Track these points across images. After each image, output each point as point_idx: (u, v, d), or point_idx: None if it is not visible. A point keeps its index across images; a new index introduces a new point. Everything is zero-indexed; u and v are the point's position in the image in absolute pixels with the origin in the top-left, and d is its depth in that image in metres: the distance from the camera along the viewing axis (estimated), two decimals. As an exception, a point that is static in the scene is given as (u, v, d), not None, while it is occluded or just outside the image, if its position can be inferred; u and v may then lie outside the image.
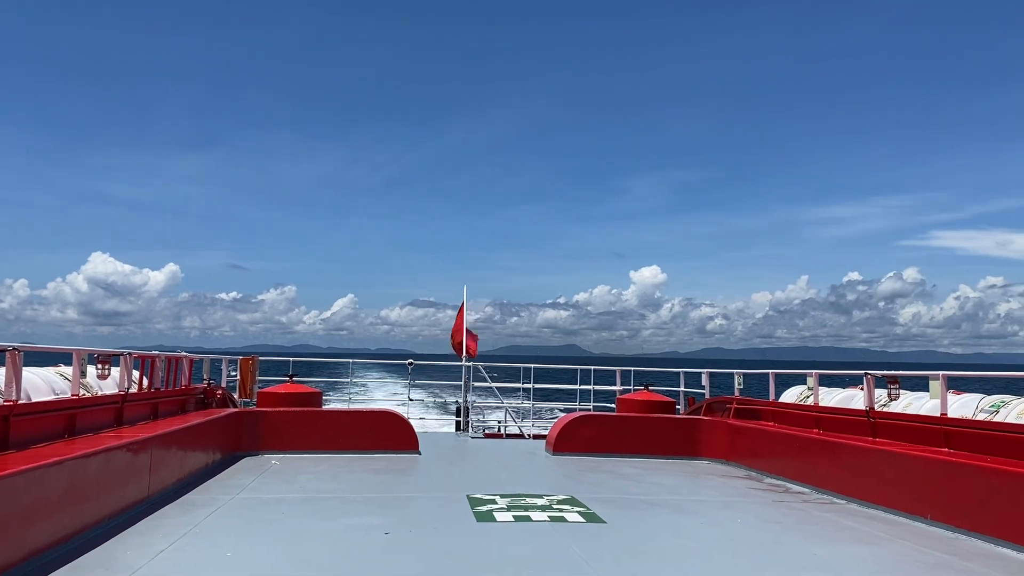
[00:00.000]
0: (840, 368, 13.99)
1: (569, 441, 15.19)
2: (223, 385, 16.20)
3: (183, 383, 13.94)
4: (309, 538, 7.91)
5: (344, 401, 21.18)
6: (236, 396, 16.13)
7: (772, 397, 15.17)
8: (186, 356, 14.25)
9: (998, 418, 9.76)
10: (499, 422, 20.14)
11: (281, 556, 7.17)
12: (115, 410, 10.60)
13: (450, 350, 20.76)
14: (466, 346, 19.86)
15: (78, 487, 7.37)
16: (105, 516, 7.90)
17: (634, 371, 19.76)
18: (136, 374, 11.78)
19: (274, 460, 13.38)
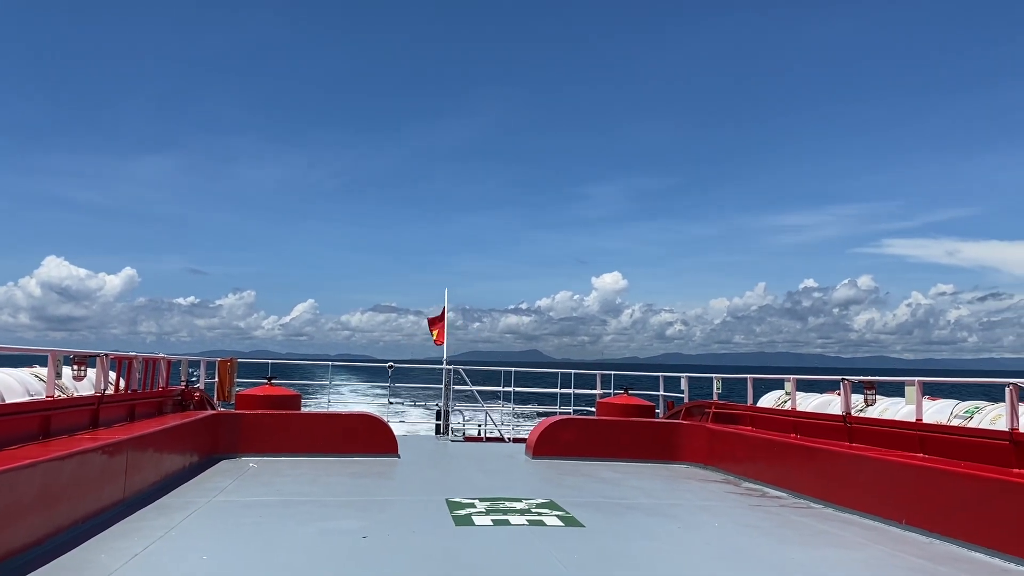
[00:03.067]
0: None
1: (549, 445, 15.21)
2: (201, 387, 16.09)
3: (160, 385, 13.82)
4: (286, 542, 7.87)
5: (323, 404, 21.10)
6: (214, 398, 16.02)
7: (750, 401, 15.27)
8: (164, 358, 14.14)
9: (972, 424, 9.89)
10: (479, 426, 20.13)
11: (258, 560, 7.13)
12: (91, 412, 10.49)
13: (427, 354, 21.19)
14: (439, 333, 20.21)
15: (52, 489, 7.29)
16: (80, 519, 7.82)
17: (614, 375, 19.82)
18: (113, 376, 11.67)
19: (252, 463, 13.29)
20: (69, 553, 6.91)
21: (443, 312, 20.93)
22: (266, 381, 16.24)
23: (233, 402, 15.94)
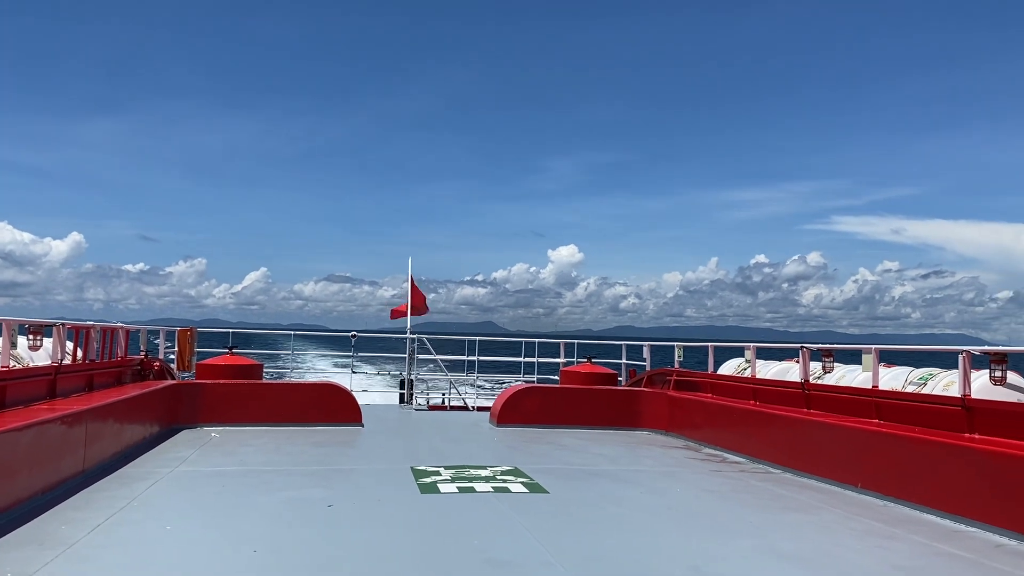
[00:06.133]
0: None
1: (513, 413, 15.31)
2: (160, 357, 15.87)
3: (119, 355, 13.60)
4: (250, 511, 7.85)
5: (285, 374, 20.95)
6: (174, 368, 15.82)
7: (711, 369, 15.49)
8: (122, 327, 13.90)
9: (926, 390, 10.15)
10: (443, 394, 20.17)
11: (221, 529, 7.11)
12: (48, 382, 10.30)
13: (383, 324, 21.04)
14: (413, 307, 20.15)
15: (9, 461, 7.17)
16: (38, 491, 7.71)
17: (577, 343, 19.95)
18: (70, 345, 11.45)
19: (214, 433, 13.18)
20: (28, 525, 6.82)
21: (411, 284, 20.81)
22: (227, 350, 16.06)
23: (193, 372, 15.76)
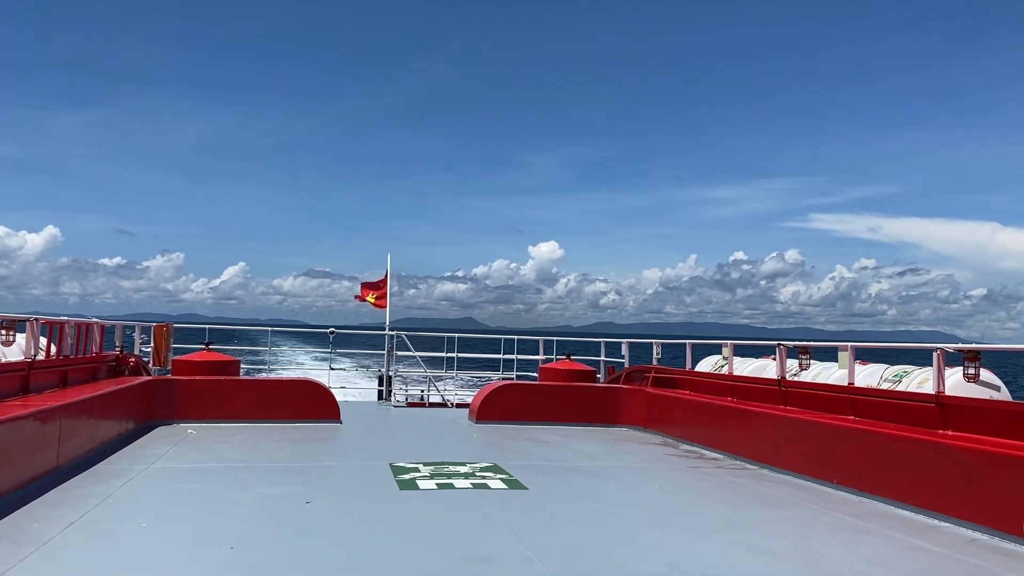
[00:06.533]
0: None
1: (492, 409, 15.31)
2: (136, 353, 15.71)
3: (94, 350, 13.45)
4: (227, 508, 7.79)
5: (262, 370, 20.83)
6: (150, 364, 15.67)
7: (689, 366, 15.57)
8: (97, 322, 13.74)
9: (900, 387, 10.27)
10: (422, 391, 20.14)
11: (197, 527, 7.04)
12: (21, 378, 10.16)
13: (362, 320, 21.17)
14: (380, 297, 20.22)
15: None
16: (11, 487, 7.60)
17: (556, 340, 19.99)
18: (44, 341, 11.30)
19: (190, 429, 13.07)
20: (1, 522, 6.73)
21: (386, 277, 20.77)
22: (203, 346, 15.93)
23: (169, 368, 15.61)
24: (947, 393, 9.20)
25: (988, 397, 9.37)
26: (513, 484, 9.33)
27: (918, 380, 10.12)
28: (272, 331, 21.73)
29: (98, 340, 13.75)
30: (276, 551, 6.35)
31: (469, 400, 17.26)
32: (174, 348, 16.50)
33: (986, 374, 9.68)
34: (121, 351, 14.87)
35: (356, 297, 21.27)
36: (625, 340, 18.55)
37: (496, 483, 9.34)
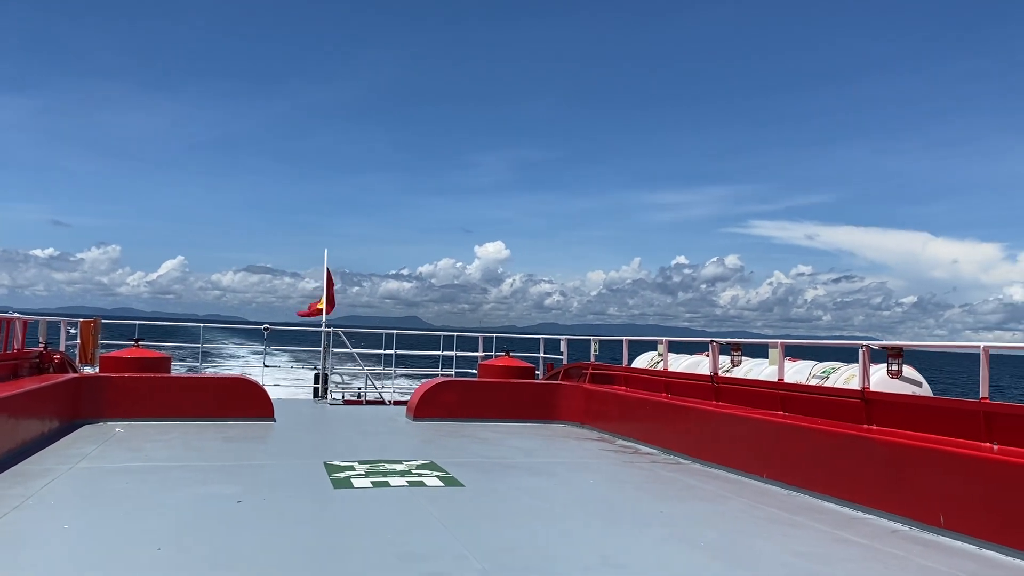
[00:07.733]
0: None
1: (430, 407, 15.25)
2: (62, 349, 15.20)
3: (15, 347, 12.97)
4: (155, 508, 7.60)
5: (194, 367, 20.37)
6: (76, 361, 15.18)
7: (625, 363, 15.76)
8: (19, 317, 13.25)
9: (828, 383, 10.56)
10: (359, 388, 19.93)
11: (124, 527, 6.86)
12: None
13: (308, 317, 20.54)
14: (327, 303, 19.85)
15: None
16: None
17: (496, 337, 20.01)
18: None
19: (118, 428, 12.71)
20: None
21: (327, 275, 20.43)
22: (133, 343, 15.51)
23: (97, 365, 15.15)
24: (872, 389, 9.49)
25: (911, 393, 9.71)
26: (449, 481, 9.31)
27: (845, 376, 10.42)
28: (206, 327, 21.26)
29: (20, 336, 13.26)
30: (204, 551, 6.22)
31: (407, 398, 17.16)
32: (103, 344, 16.03)
33: (909, 370, 10.02)
34: (45, 347, 14.37)
35: (299, 314, 20.85)
36: (564, 337, 18.67)
37: (432, 480, 9.31)
